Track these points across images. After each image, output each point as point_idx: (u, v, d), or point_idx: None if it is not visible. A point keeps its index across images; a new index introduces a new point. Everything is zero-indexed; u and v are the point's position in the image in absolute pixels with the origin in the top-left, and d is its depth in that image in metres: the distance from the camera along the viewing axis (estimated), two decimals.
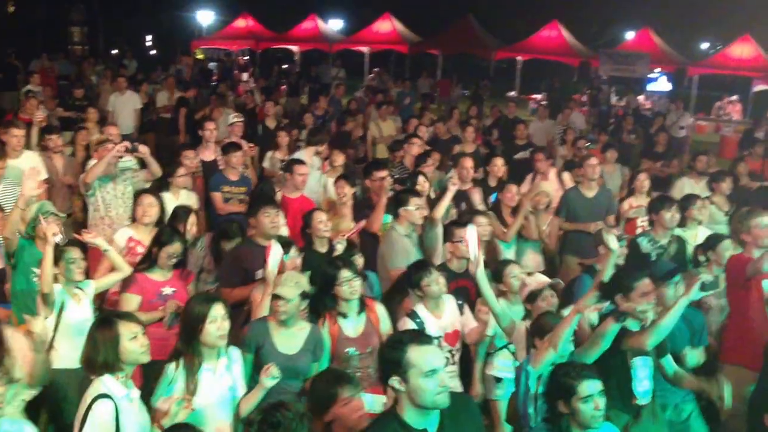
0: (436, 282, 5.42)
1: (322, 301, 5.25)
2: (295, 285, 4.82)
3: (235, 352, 4.51)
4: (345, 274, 5.15)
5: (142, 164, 7.99)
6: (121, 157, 7.60)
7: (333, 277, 5.15)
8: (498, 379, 5.77)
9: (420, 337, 3.40)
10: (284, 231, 6.76)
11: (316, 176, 9.01)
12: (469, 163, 8.41)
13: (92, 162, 7.95)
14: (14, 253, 5.85)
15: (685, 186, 9.33)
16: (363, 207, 7.53)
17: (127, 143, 7.62)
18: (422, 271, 5.49)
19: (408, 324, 5.29)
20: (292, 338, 4.82)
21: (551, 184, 8.84)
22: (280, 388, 4.44)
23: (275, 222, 6.12)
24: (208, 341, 4.24)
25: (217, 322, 4.23)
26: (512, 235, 7.60)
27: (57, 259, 5.25)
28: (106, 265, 5.87)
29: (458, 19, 26.85)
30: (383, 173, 7.70)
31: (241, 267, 5.99)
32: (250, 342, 4.79)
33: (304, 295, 4.89)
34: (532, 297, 5.48)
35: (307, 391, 4.40)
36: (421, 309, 5.45)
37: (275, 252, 5.38)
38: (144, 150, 7.70)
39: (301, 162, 8.14)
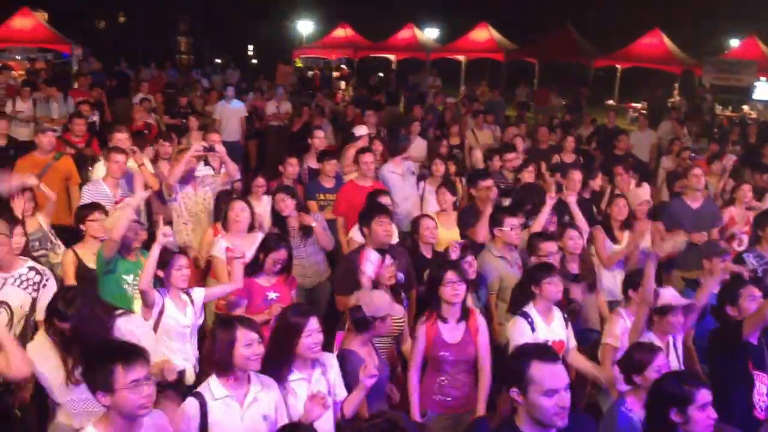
0: (556, 284, 5.44)
1: (426, 301, 5.34)
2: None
3: (330, 358, 4.56)
4: (450, 276, 5.20)
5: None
6: (200, 158, 7.73)
7: (439, 278, 5.23)
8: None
9: (546, 354, 3.33)
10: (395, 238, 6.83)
11: (411, 183, 9.19)
12: (578, 175, 8.29)
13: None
14: (110, 259, 5.91)
15: None
16: (469, 216, 7.55)
17: (204, 143, 7.78)
18: (545, 271, 5.50)
19: (520, 323, 5.33)
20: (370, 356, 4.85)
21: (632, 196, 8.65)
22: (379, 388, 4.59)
23: (389, 230, 6.17)
24: (303, 353, 4.28)
25: (312, 335, 4.28)
26: (614, 261, 7.35)
27: (164, 264, 5.35)
28: (220, 273, 6.12)
29: (556, 26, 26.59)
30: (488, 183, 7.73)
31: (357, 274, 5.92)
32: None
33: None
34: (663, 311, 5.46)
35: None
36: (532, 310, 5.46)
37: (371, 257, 5.49)
38: (221, 149, 7.81)
39: (366, 150, 8.41)
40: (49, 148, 8.58)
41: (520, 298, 5.61)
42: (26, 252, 5.87)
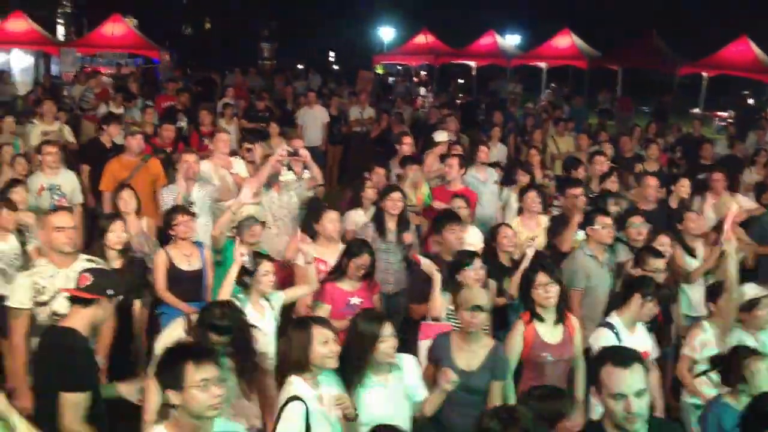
0: (656, 305, 5.44)
1: (521, 305, 5.40)
2: (484, 296, 4.95)
3: (409, 361, 4.60)
4: (542, 278, 5.23)
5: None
6: (284, 162, 7.87)
7: (531, 281, 5.27)
8: (697, 407, 5.62)
9: (620, 357, 3.33)
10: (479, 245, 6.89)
11: (493, 190, 9.16)
12: (653, 181, 8.21)
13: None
14: (221, 251, 6.41)
15: None
16: (559, 224, 7.52)
17: (288, 147, 7.89)
18: (652, 288, 5.46)
19: (604, 333, 5.30)
20: (473, 356, 4.85)
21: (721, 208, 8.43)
22: (461, 400, 4.59)
23: (460, 238, 6.25)
24: (380, 359, 4.33)
25: (387, 341, 4.32)
26: (696, 277, 7.15)
27: (250, 272, 5.53)
28: (299, 276, 6.24)
29: (640, 33, 26.06)
30: (577, 190, 7.69)
31: (428, 283, 6.02)
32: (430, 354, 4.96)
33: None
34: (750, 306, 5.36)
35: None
36: (616, 319, 5.42)
37: (426, 263, 5.65)
38: (304, 153, 7.94)
39: (454, 155, 8.52)
40: (138, 150, 8.88)
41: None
42: (129, 249, 6.19)
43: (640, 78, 27.68)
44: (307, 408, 3.97)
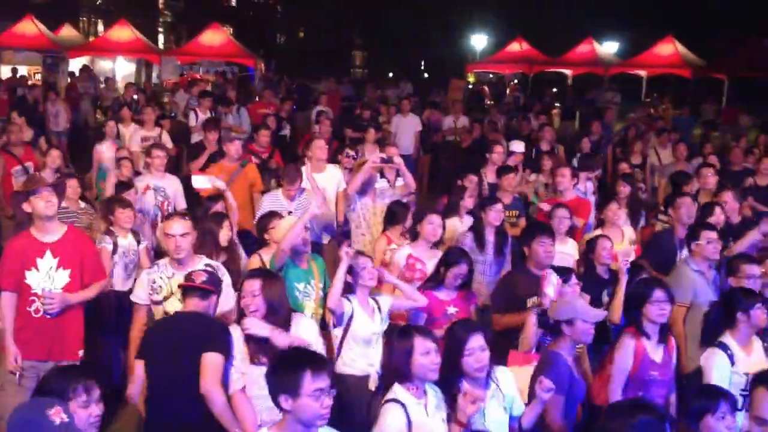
0: (762, 311, 5.12)
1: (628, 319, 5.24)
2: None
3: (504, 374, 4.49)
4: (658, 294, 5.05)
5: None
6: (378, 170, 7.82)
7: (645, 296, 5.07)
8: None
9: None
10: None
11: (591, 201, 8.88)
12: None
13: None
14: (281, 267, 5.95)
15: None
16: (665, 239, 7.34)
17: (382, 154, 7.86)
18: (751, 297, 5.21)
19: (716, 355, 5.06)
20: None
21: None
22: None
23: (549, 252, 6.06)
24: (468, 372, 4.23)
25: (474, 354, 4.20)
26: None
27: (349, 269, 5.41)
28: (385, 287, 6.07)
29: (747, 41, 25.10)
30: (686, 200, 7.43)
31: (514, 294, 5.96)
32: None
33: None
34: None
35: None
36: (730, 340, 5.14)
37: (552, 280, 5.37)
38: (398, 161, 7.88)
39: (566, 166, 8.51)
40: (237, 155, 8.96)
41: (716, 325, 5.29)
42: (231, 247, 6.41)
43: (747, 87, 26.61)
44: (407, 413, 3.93)
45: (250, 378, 4.52)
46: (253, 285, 4.68)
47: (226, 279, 5.34)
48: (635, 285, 5.39)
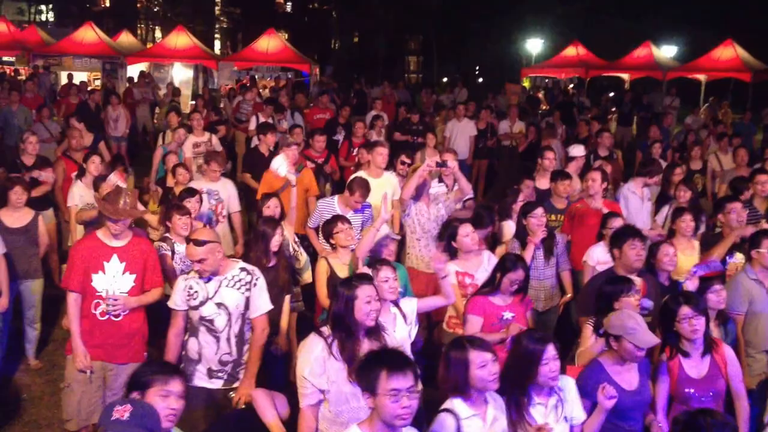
0: None
1: (663, 336, 5.04)
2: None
3: (568, 382, 4.45)
4: (685, 311, 4.90)
5: None
6: (434, 174, 7.80)
7: (673, 313, 4.94)
8: None
9: None
10: None
11: (647, 207, 8.83)
12: None
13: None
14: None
15: None
16: (710, 243, 7.17)
17: (437, 159, 7.82)
18: None
19: None
20: (629, 372, 4.70)
21: None
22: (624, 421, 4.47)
23: (640, 255, 5.97)
24: (541, 382, 4.22)
25: (550, 363, 4.20)
26: None
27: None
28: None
29: None
30: (736, 205, 7.31)
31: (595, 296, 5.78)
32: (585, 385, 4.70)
33: None
34: None
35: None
36: None
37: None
38: (453, 165, 7.82)
39: (597, 170, 8.32)
40: (293, 160, 9.02)
41: None
42: (282, 252, 6.47)
43: None
44: (460, 421, 3.93)
45: (351, 392, 4.38)
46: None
47: (260, 282, 5.34)
48: (663, 305, 5.17)
